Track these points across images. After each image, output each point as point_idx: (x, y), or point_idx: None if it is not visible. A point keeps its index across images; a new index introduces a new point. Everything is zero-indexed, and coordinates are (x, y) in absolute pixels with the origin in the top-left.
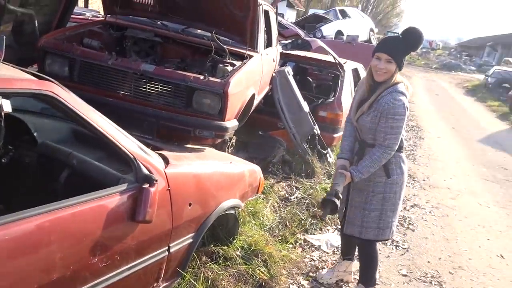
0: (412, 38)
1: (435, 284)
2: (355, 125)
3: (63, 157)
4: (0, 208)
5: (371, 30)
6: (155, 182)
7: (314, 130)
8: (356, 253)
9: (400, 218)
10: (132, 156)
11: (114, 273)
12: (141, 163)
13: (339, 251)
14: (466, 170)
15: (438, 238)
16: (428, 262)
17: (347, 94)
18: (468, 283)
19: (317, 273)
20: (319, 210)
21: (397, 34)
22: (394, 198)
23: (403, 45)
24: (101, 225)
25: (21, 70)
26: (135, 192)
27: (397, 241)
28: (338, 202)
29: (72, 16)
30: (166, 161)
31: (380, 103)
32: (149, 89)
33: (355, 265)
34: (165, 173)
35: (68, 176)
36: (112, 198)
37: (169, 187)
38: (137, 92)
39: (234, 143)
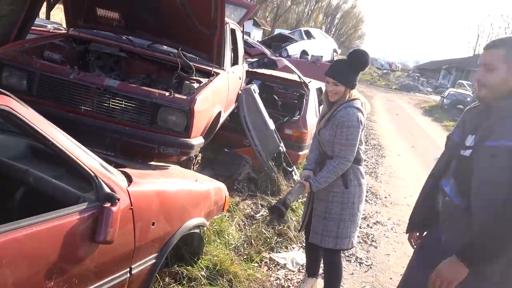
0: (356, 59)
1: None
2: (318, 138)
3: (19, 175)
4: None
5: (335, 50)
6: (117, 200)
7: (280, 148)
8: (321, 270)
9: (363, 235)
10: (93, 174)
11: None
12: (102, 181)
13: (304, 269)
14: None
15: (400, 255)
16: (391, 278)
17: (312, 112)
18: None
19: None
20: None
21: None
22: (353, 209)
23: (349, 67)
24: (58, 247)
25: None
26: (96, 212)
27: (360, 258)
28: (284, 210)
29: (33, 28)
30: (129, 179)
31: (336, 117)
32: (112, 104)
33: (320, 282)
34: (127, 191)
35: (24, 194)
36: (70, 218)
37: (132, 206)
38: (100, 107)
39: (199, 160)
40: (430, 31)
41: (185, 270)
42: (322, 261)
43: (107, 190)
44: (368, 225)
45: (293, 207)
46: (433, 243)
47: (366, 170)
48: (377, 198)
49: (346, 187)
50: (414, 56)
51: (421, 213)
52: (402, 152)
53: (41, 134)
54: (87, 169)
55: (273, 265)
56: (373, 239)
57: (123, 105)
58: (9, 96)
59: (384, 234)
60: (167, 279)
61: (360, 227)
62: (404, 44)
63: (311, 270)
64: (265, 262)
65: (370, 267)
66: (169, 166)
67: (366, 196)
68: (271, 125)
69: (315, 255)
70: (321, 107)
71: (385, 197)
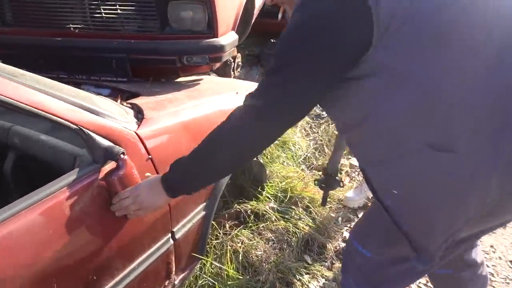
0: None
1: None
2: None
3: (2, 136)
4: None
5: None
6: (122, 155)
7: None
8: None
9: None
10: (77, 126)
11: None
12: (95, 132)
13: None
14: None
15: None
16: None
17: None
18: None
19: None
20: None
21: None
22: None
23: None
24: (60, 232)
25: None
26: (96, 177)
27: None
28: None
29: None
30: (140, 114)
31: None
32: (106, 13)
33: None
34: (138, 135)
35: (15, 161)
36: (65, 193)
37: (149, 154)
38: (93, 22)
39: (240, 63)
40: None
41: (249, 206)
42: None
43: (105, 143)
44: None
45: None
46: None
47: None
48: None
49: None
50: None
51: None
52: None
53: None
54: (67, 123)
55: (355, 173)
56: None
57: (119, 11)
58: None
59: None
60: (227, 225)
61: None
62: None
63: None
64: (346, 171)
65: None
66: (201, 80)
67: None
68: None
69: None
70: None
71: None
